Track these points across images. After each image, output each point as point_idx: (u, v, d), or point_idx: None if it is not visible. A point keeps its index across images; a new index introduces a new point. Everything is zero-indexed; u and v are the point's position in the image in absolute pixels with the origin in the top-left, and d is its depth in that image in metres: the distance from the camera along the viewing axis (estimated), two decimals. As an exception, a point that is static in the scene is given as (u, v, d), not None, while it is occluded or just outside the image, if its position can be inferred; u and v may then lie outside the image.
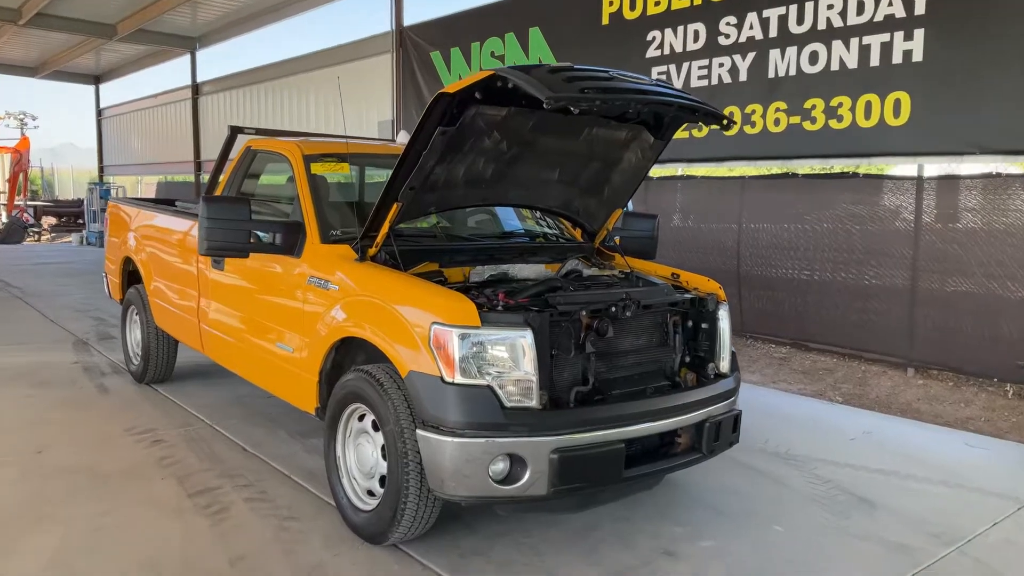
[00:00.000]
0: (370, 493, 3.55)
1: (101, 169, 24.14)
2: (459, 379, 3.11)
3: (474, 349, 3.12)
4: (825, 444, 5.12)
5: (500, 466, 3.12)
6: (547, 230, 4.99)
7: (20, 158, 21.63)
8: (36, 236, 21.82)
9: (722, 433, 3.67)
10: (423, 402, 3.16)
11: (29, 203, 23.53)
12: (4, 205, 22.14)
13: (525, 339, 3.15)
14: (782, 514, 3.97)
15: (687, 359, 3.92)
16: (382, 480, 3.43)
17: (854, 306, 7.61)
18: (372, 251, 3.77)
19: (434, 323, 3.16)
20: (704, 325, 3.94)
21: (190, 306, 5.22)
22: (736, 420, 3.79)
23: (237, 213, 3.91)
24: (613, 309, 3.46)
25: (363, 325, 3.52)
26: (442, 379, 3.12)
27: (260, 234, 4.10)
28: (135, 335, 6.28)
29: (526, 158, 3.95)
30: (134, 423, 5.19)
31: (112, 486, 4.13)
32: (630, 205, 7.14)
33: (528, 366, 3.15)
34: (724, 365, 3.91)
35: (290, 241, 4.04)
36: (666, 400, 3.52)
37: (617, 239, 5.07)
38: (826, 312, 7.84)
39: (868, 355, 7.53)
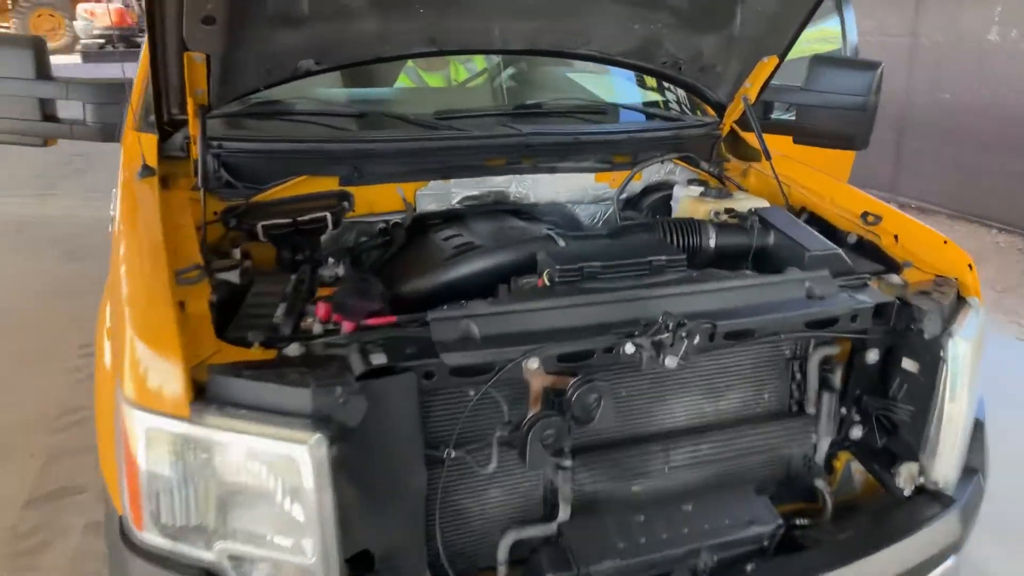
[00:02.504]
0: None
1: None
2: (150, 537, 1.24)
3: (182, 470, 1.21)
4: None
5: None
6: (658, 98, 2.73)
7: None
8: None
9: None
10: (107, 562, 1.37)
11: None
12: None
13: (299, 461, 1.17)
14: None
15: (855, 433, 1.70)
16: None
17: None
18: (195, 150, 1.89)
19: (118, 391, 1.28)
20: (910, 366, 1.64)
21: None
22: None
23: (12, 65, 2.16)
24: (627, 349, 1.35)
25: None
26: (122, 528, 1.28)
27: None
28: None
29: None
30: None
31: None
32: (852, 34, 4.28)
33: (307, 530, 1.19)
34: (943, 468, 1.63)
35: (106, 117, 2.23)
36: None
37: (789, 109, 2.71)
38: None
39: None
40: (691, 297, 1.48)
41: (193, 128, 1.83)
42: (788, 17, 2.01)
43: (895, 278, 1.72)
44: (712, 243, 1.81)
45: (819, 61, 2.66)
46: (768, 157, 2.24)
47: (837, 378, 1.67)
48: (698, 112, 2.64)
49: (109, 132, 2.24)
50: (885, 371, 1.69)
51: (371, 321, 1.36)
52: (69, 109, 2.31)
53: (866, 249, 1.89)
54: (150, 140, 1.98)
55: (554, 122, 2.31)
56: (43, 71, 2.19)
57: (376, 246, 2.06)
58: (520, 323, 1.36)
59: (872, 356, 1.67)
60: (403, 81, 3.16)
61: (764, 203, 2.05)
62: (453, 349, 1.28)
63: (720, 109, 2.41)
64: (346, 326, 1.34)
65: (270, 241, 1.85)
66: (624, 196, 2.29)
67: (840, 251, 1.74)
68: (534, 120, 2.25)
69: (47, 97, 2.23)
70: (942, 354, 1.58)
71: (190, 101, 1.75)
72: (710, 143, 2.40)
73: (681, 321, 1.36)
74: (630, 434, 1.54)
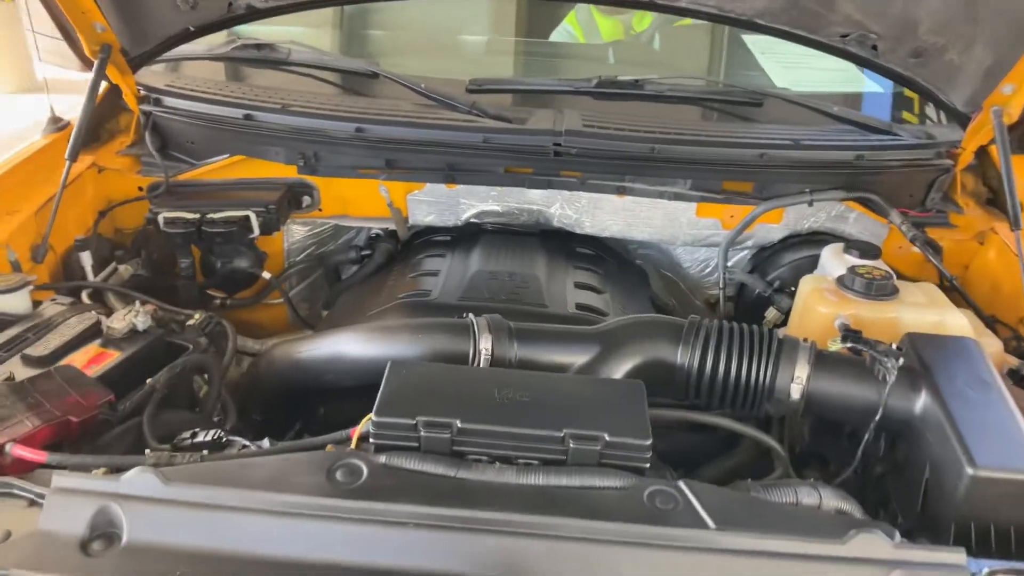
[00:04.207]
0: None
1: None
2: None
3: None
4: None
5: None
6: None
7: None
8: None
9: None
10: None
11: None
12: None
13: None
14: None
15: None
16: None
17: None
18: (128, 98, 1.47)
19: None
20: None
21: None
22: None
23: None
24: None
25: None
26: None
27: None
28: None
29: None
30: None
31: None
32: None
33: None
34: None
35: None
36: None
37: None
38: None
39: None
40: (608, 550, 0.71)
41: (114, 73, 1.38)
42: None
43: None
44: (796, 392, 0.96)
45: None
46: (1017, 224, 1.25)
47: None
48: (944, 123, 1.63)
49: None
50: None
51: (19, 452, 0.80)
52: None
53: None
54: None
55: (643, 113, 1.49)
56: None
57: (353, 260, 1.50)
58: (227, 533, 0.72)
59: None
60: (571, 25, 2.49)
61: (957, 321, 1.10)
62: (48, 564, 0.69)
63: (963, 122, 1.41)
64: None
65: (168, 241, 1.36)
66: (751, 244, 1.45)
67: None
68: (619, 106, 1.46)
69: None
70: None
71: (82, 37, 1.29)
72: (929, 178, 1.43)
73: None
74: None
